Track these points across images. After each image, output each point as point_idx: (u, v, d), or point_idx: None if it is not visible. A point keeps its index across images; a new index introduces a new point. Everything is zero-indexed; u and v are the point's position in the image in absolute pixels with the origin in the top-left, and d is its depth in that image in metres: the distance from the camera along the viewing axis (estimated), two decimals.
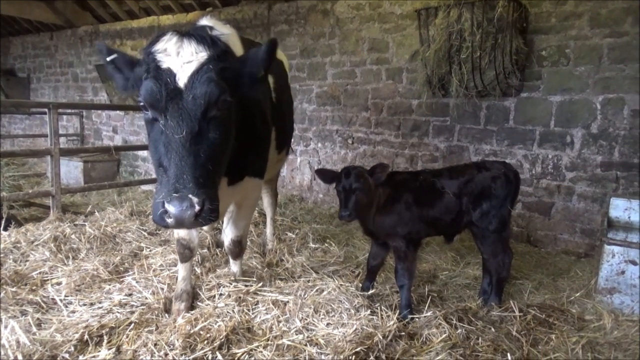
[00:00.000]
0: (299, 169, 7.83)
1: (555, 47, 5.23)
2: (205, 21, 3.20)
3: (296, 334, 2.86)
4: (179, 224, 2.10)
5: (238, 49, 3.17)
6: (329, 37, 7.18)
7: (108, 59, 2.41)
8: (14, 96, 12.16)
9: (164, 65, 2.22)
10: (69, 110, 11.12)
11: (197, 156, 2.17)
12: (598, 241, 4.28)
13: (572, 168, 5.26)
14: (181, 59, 2.24)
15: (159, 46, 2.29)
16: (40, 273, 3.68)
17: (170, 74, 2.20)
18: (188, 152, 2.14)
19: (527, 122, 5.51)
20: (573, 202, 5.30)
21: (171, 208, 2.05)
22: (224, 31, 3.16)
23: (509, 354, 2.79)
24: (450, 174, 3.51)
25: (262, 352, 2.69)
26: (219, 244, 4.52)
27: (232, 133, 2.52)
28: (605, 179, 5.08)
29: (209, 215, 2.13)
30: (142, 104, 2.29)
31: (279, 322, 3.00)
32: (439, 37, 5.39)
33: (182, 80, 2.20)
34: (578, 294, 3.84)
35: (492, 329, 3.17)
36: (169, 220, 2.09)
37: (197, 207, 2.06)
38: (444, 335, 2.96)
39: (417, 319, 3.26)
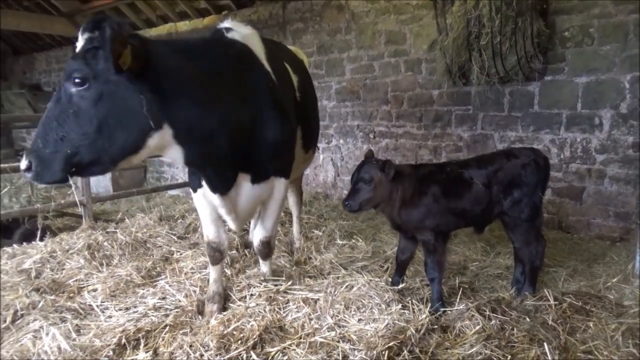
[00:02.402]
0: (322, 166, 7.83)
1: (579, 27, 5.08)
2: (226, 23, 3.26)
3: (328, 331, 2.87)
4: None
5: (258, 48, 3.21)
6: (345, 32, 7.15)
7: None
8: (42, 110, 12.48)
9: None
10: None
11: (46, 125, 2.37)
12: (634, 224, 4.16)
13: (603, 150, 5.11)
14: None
15: None
16: (76, 280, 3.79)
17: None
18: (41, 121, 2.40)
19: (552, 105, 5.38)
20: (605, 186, 5.16)
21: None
22: (243, 31, 3.20)
23: (545, 344, 2.73)
24: (478, 163, 3.44)
25: (295, 350, 2.71)
26: (247, 245, 4.57)
27: (99, 117, 2.35)
28: (637, 160, 4.91)
29: (39, 175, 2.37)
30: None
31: (310, 319, 3.02)
32: (457, 25, 5.31)
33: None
34: (615, 279, 3.74)
35: (527, 319, 3.11)
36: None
37: (22, 165, 2.37)
38: (477, 327, 2.92)
39: (449, 312, 3.23)
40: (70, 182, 2.46)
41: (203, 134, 2.67)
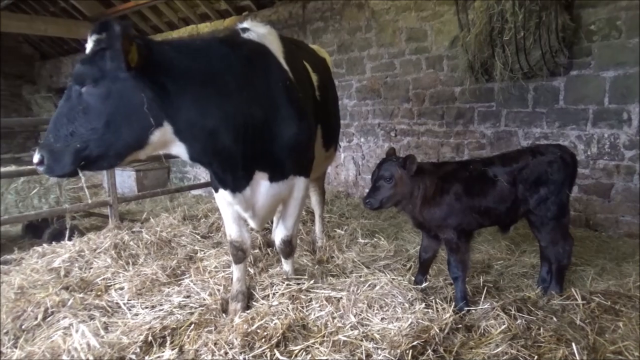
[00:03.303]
0: (343, 165, 7.83)
1: (605, 20, 4.96)
2: (245, 24, 3.28)
3: (351, 330, 2.87)
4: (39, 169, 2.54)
5: (275, 47, 3.22)
6: (366, 30, 7.13)
7: None
8: None
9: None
10: None
11: (56, 122, 2.49)
12: None
13: (631, 146, 4.98)
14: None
15: None
16: (103, 279, 3.88)
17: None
18: (52, 118, 2.52)
19: (578, 101, 5.26)
20: (634, 182, 5.02)
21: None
22: (260, 31, 3.22)
23: (573, 344, 2.68)
24: (503, 161, 3.39)
25: (318, 348, 2.72)
26: (269, 244, 4.60)
27: (106, 113, 2.48)
28: None
29: (51, 168, 2.50)
30: None
31: (333, 318, 3.03)
32: (479, 21, 5.24)
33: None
34: None
35: (554, 319, 3.05)
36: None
37: (35, 159, 2.49)
38: (503, 327, 2.88)
39: (473, 311, 3.19)
40: (81, 175, 2.61)
41: (204, 131, 2.73)
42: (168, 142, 2.70)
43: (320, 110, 3.62)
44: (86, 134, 2.47)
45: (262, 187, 3.17)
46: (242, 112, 2.85)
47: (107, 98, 2.46)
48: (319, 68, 3.89)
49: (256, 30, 3.23)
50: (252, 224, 3.42)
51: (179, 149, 2.77)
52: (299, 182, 3.39)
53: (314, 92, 3.63)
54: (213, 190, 3.44)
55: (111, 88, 2.46)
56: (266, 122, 2.99)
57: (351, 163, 7.70)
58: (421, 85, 6.63)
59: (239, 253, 3.43)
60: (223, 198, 3.26)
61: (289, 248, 3.64)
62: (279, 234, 3.61)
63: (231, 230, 3.44)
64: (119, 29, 2.30)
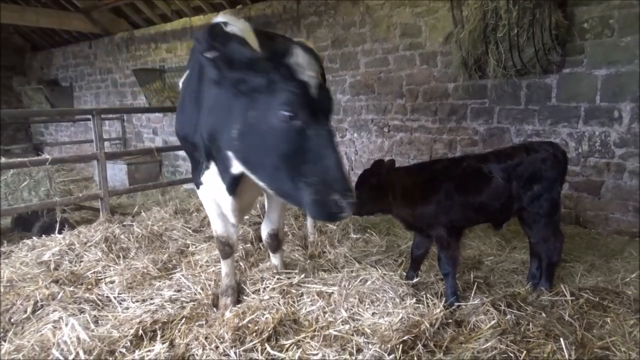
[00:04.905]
0: None
1: (598, 18, 4.98)
2: (220, 18, 3.23)
3: (342, 324, 2.88)
4: (347, 216, 2.41)
5: (252, 42, 3.20)
6: (360, 25, 7.10)
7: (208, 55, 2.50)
8: (59, 105, 12.66)
9: (300, 77, 2.38)
10: (111, 115, 11.49)
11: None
12: None
13: (622, 144, 5.02)
14: (309, 72, 2.42)
15: (293, 60, 2.43)
16: (94, 272, 3.86)
17: (306, 85, 2.38)
18: (336, 153, 2.38)
19: (570, 98, 5.29)
20: (624, 180, 5.06)
21: (348, 204, 2.29)
22: (238, 26, 3.19)
23: (562, 339, 2.71)
24: (497, 157, 3.40)
25: (309, 342, 2.73)
26: (261, 239, 4.59)
27: None
28: None
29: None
30: (288, 113, 2.35)
31: (324, 313, 3.04)
32: (473, 17, 5.24)
33: (314, 91, 2.38)
34: (633, 275, 3.68)
35: (543, 314, 3.09)
36: (344, 215, 2.35)
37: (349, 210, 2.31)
38: (492, 322, 2.91)
39: (463, 306, 3.21)
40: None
41: None
42: None
43: None
44: None
45: (246, 182, 3.14)
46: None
47: None
48: None
49: (236, 24, 3.20)
50: (232, 219, 3.39)
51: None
52: None
53: None
54: (195, 187, 3.40)
55: None
56: None
57: (344, 158, 7.70)
58: (415, 81, 6.63)
59: (226, 248, 3.42)
60: (207, 194, 3.24)
61: (275, 242, 3.64)
62: (265, 228, 3.62)
63: (217, 226, 3.42)
64: None
